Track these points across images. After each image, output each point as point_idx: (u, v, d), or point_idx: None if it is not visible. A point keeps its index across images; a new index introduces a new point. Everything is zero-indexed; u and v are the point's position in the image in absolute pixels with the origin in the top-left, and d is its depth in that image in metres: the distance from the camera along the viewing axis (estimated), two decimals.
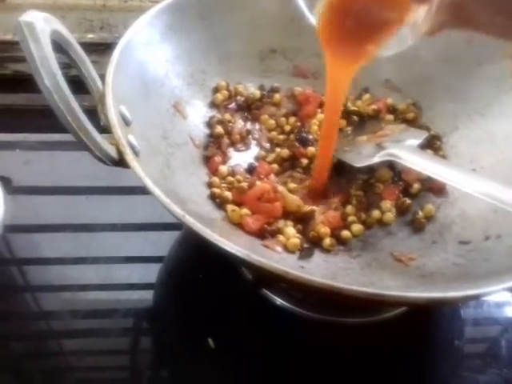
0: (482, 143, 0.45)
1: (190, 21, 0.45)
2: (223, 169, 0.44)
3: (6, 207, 0.45)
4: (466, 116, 0.47)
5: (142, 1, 0.64)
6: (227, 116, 0.48)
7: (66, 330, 0.42)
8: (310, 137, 0.47)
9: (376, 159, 0.43)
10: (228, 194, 0.41)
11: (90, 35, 0.63)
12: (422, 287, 0.35)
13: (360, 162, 0.43)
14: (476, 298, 0.30)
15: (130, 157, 0.32)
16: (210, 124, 0.47)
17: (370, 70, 0.50)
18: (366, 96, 0.51)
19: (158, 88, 0.42)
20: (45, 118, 0.57)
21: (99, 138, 0.32)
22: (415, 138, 0.44)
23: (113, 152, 0.33)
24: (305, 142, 0.47)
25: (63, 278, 0.44)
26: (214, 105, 0.48)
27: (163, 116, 0.42)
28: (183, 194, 0.38)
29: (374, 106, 0.49)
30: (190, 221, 0.30)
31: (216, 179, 0.43)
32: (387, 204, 0.43)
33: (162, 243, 0.47)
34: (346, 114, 0.49)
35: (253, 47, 0.50)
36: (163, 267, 0.45)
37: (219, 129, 0.46)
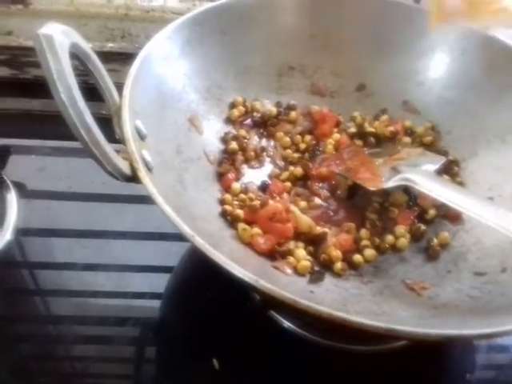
0: (502, 171, 0.43)
1: (209, 36, 0.45)
2: (236, 186, 0.43)
3: (19, 211, 0.46)
4: (486, 142, 0.45)
5: (165, 12, 0.64)
6: (242, 132, 0.47)
7: (73, 335, 0.41)
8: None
9: (391, 183, 0.42)
10: (240, 212, 0.40)
11: (111, 44, 0.63)
12: (434, 319, 0.34)
13: (375, 186, 0.42)
14: (492, 337, 0.28)
15: (142, 173, 0.31)
16: (224, 140, 0.46)
17: (388, 91, 0.50)
18: (384, 117, 0.50)
19: (174, 102, 0.42)
20: (62, 125, 0.58)
21: (113, 153, 0.32)
22: (432, 163, 0.43)
23: (125, 168, 0.32)
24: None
25: (73, 284, 0.44)
26: (229, 120, 0.47)
27: (178, 130, 0.42)
28: (194, 211, 0.38)
29: (391, 128, 0.48)
30: (199, 242, 0.29)
31: (228, 196, 0.42)
32: (401, 229, 0.42)
33: (173, 253, 0.46)
34: (363, 135, 0.48)
35: (271, 63, 0.50)
36: (172, 278, 0.45)
37: (234, 145, 0.45)
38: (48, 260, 0.46)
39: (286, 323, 0.40)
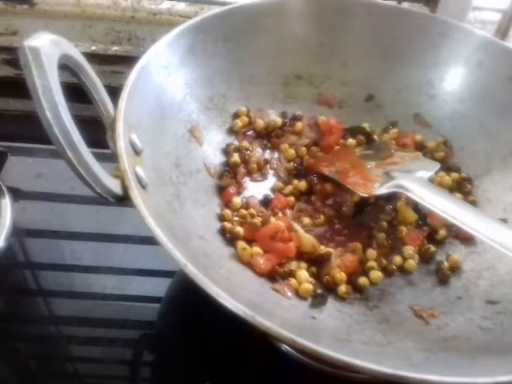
0: None
1: (212, 43, 0.42)
2: (237, 200, 0.40)
3: (16, 215, 0.44)
4: (501, 159, 0.42)
5: (172, 15, 0.61)
6: (245, 143, 0.44)
7: (72, 337, 0.40)
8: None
9: (383, 190, 0.39)
10: (239, 230, 0.37)
11: (116, 47, 0.61)
12: (443, 354, 0.31)
13: (365, 192, 0.39)
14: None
15: (134, 193, 0.29)
16: (226, 151, 0.43)
17: (399, 103, 0.47)
18: (394, 130, 0.46)
19: (174, 113, 0.39)
20: None
21: (101, 173, 0.29)
22: (426, 170, 0.40)
23: (116, 187, 0.30)
24: (299, 175, 0.43)
25: (73, 286, 0.43)
26: (232, 131, 0.44)
27: (178, 142, 0.39)
28: (191, 228, 0.35)
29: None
30: (192, 272, 0.26)
31: (228, 212, 0.39)
32: (410, 250, 0.39)
33: None
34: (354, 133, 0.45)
35: (277, 72, 0.46)
36: (173, 283, 0.43)
37: (236, 157, 0.42)
38: (49, 261, 0.45)
39: (284, 347, 0.37)
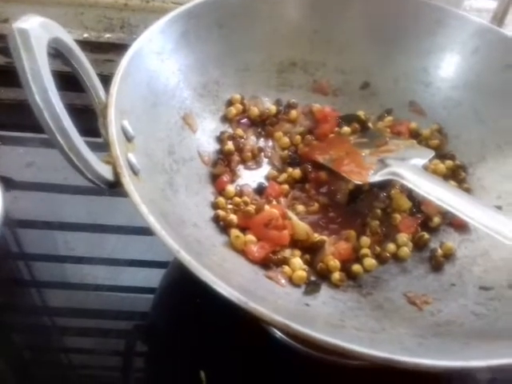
0: None
1: (206, 29, 0.41)
2: (230, 188, 0.40)
3: (5, 205, 0.43)
4: (496, 147, 0.42)
5: (165, 1, 0.60)
6: (239, 131, 0.44)
7: (65, 327, 0.40)
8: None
9: (377, 177, 0.39)
10: (233, 218, 0.37)
11: (108, 34, 0.60)
12: (436, 339, 0.31)
13: (360, 179, 0.39)
14: (500, 367, 0.25)
15: (126, 179, 0.28)
16: (220, 139, 0.43)
17: (394, 91, 0.46)
18: (389, 118, 0.46)
19: (167, 99, 0.39)
20: None
21: (93, 159, 0.29)
22: (421, 158, 0.40)
23: (108, 173, 0.29)
24: (294, 163, 0.43)
25: (67, 276, 0.42)
26: (226, 119, 0.44)
27: (170, 129, 0.38)
28: (184, 216, 0.35)
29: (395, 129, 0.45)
30: (186, 258, 0.26)
31: (222, 200, 0.39)
32: (404, 237, 0.39)
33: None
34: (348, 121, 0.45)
35: (272, 59, 0.46)
36: (167, 273, 0.42)
37: (230, 145, 0.42)
38: (42, 252, 0.44)
39: (279, 334, 0.37)
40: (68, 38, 0.30)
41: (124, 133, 0.32)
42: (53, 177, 0.48)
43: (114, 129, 0.30)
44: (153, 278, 0.42)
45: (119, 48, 0.59)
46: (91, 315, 0.40)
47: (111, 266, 0.43)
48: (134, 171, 0.30)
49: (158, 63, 0.38)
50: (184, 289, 0.40)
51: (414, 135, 0.45)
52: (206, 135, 0.42)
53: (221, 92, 0.44)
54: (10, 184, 0.47)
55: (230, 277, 0.31)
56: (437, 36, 0.45)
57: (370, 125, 0.46)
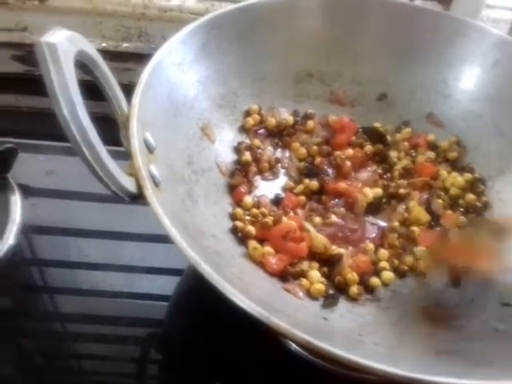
0: None
1: (226, 40, 0.42)
2: (248, 200, 0.40)
3: (26, 213, 0.44)
4: None
5: (182, 11, 0.61)
6: (256, 142, 0.44)
7: (79, 334, 0.40)
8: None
9: None
10: (251, 229, 0.37)
11: (126, 44, 0.60)
12: (457, 356, 0.30)
13: None
14: None
15: (149, 192, 0.29)
16: (237, 150, 0.43)
17: (412, 102, 0.46)
18: (407, 130, 0.46)
19: (187, 110, 0.39)
20: None
21: (117, 171, 0.29)
22: None
23: (131, 185, 0.30)
24: (311, 174, 0.42)
25: (82, 283, 0.43)
26: (243, 129, 0.44)
27: (190, 140, 0.39)
28: (203, 227, 0.35)
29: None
30: (207, 271, 0.26)
31: (239, 211, 0.39)
32: (422, 251, 0.38)
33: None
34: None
35: (289, 70, 0.46)
36: (181, 281, 0.42)
37: (247, 156, 0.42)
38: (58, 258, 0.44)
39: (294, 346, 0.37)
40: (93, 51, 0.31)
41: (146, 144, 0.32)
42: (71, 184, 0.49)
43: (136, 141, 0.30)
44: (167, 285, 0.42)
45: (137, 57, 0.60)
46: (105, 322, 0.40)
47: (126, 273, 0.43)
48: (156, 183, 0.31)
49: (179, 74, 0.38)
50: (199, 296, 0.40)
51: (432, 147, 0.45)
52: (224, 145, 0.42)
53: (239, 103, 0.44)
54: (28, 191, 0.47)
55: (249, 289, 0.30)
56: (456, 48, 0.45)
57: (388, 137, 0.45)
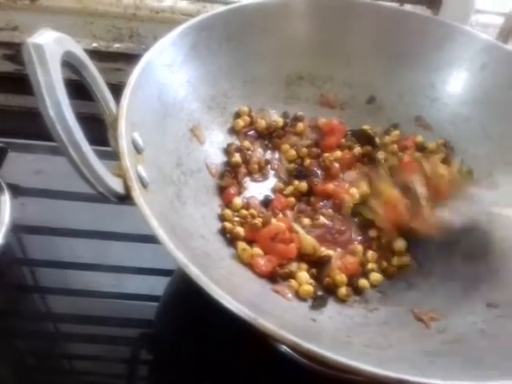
0: None
1: (216, 41, 0.41)
2: (237, 201, 0.39)
3: (12, 211, 0.43)
4: (504, 163, 0.42)
5: (174, 12, 0.60)
6: (246, 143, 0.44)
7: (67, 333, 0.40)
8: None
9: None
10: (240, 230, 0.37)
11: (117, 44, 0.60)
12: (444, 357, 0.30)
13: None
14: None
15: (136, 193, 0.28)
16: (227, 151, 0.42)
17: (400, 105, 0.46)
18: (395, 132, 0.46)
19: (176, 111, 0.38)
20: None
21: (104, 172, 0.29)
22: None
23: (118, 186, 0.29)
24: (300, 176, 0.42)
25: (72, 283, 0.42)
26: (233, 131, 0.44)
27: (179, 141, 0.38)
28: (191, 228, 0.35)
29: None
30: (194, 273, 0.25)
31: (229, 212, 0.38)
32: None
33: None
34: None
35: (280, 72, 0.46)
36: (171, 281, 0.42)
37: (237, 157, 0.42)
38: (47, 258, 0.44)
39: (284, 348, 0.37)
40: (80, 52, 0.30)
41: (134, 145, 0.32)
42: (60, 184, 0.48)
43: (124, 141, 0.30)
44: (158, 285, 0.42)
45: (128, 57, 0.59)
46: (95, 322, 0.40)
47: (116, 274, 0.43)
48: (144, 184, 0.30)
49: (169, 75, 0.38)
50: (189, 297, 0.40)
51: (420, 149, 0.45)
52: (214, 147, 0.42)
53: (229, 104, 0.44)
54: (17, 191, 0.47)
55: (237, 291, 0.30)
56: (444, 52, 0.45)
57: (377, 140, 0.45)
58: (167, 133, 0.37)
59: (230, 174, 0.41)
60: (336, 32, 0.46)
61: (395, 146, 0.45)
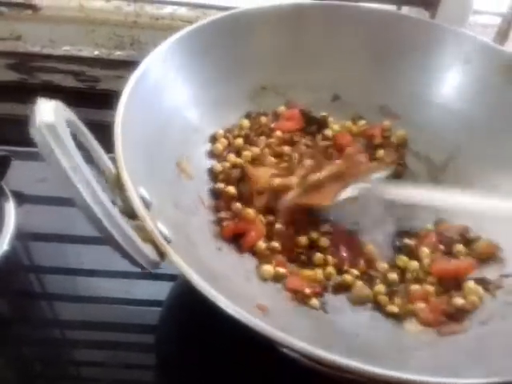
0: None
1: (172, 71, 0.41)
2: (262, 246, 0.39)
3: (17, 219, 0.44)
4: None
5: (174, 19, 0.61)
6: (227, 164, 0.43)
7: (73, 339, 0.41)
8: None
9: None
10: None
11: (119, 52, 0.60)
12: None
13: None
14: None
15: (175, 257, 0.27)
16: (216, 191, 0.42)
17: (364, 98, 0.48)
18: (362, 122, 0.48)
19: (160, 151, 0.38)
20: None
21: (140, 242, 0.27)
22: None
23: (151, 253, 0.28)
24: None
25: (78, 289, 0.43)
26: (213, 155, 0.44)
27: (171, 182, 0.38)
28: (214, 270, 0.35)
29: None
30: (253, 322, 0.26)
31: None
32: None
33: None
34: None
35: (243, 87, 0.46)
36: (175, 286, 0.43)
37: (230, 189, 0.41)
38: (52, 265, 0.45)
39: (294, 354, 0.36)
40: (73, 116, 0.30)
41: (144, 202, 0.30)
42: (63, 192, 0.49)
43: (138, 203, 0.28)
44: (163, 290, 0.42)
45: (129, 65, 0.59)
46: (101, 328, 0.41)
47: (120, 279, 0.43)
48: (168, 240, 0.29)
49: (145, 116, 0.37)
50: (192, 302, 0.39)
51: (385, 136, 0.46)
52: (202, 177, 0.42)
53: (204, 130, 0.44)
54: (22, 198, 0.47)
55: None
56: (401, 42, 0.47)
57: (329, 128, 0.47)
58: (158, 176, 0.36)
59: (230, 217, 0.40)
60: (291, 38, 0.47)
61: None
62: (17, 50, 0.59)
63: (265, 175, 0.40)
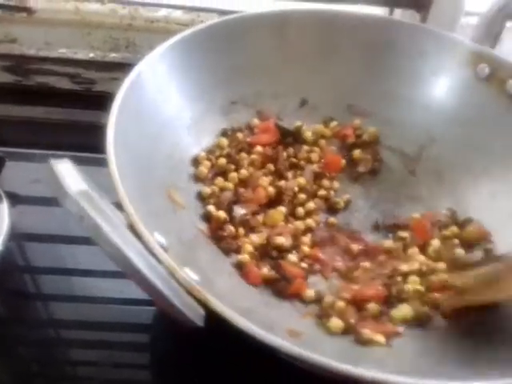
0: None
1: (149, 98, 0.41)
2: (310, 294, 0.38)
3: (11, 219, 0.43)
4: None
5: (169, 22, 0.61)
6: (215, 188, 0.43)
7: (68, 339, 0.40)
8: None
9: None
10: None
11: (114, 54, 0.60)
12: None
13: None
14: None
15: (218, 305, 0.25)
16: (207, 215, 0.41)
17: (331, 100, 0.48)
18: (333, 123, 0.48)
19: (152, 187, 0.37)
20: (61, 134, 0.55)
21: (187, 297, 0.25)
22: None
23: (198, 308, 0.25)
24: None
25: (73, 289, 0.43)
26: (198, 179, 0.43)
27: (170, 217, 0.37)
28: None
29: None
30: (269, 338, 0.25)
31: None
32: None
33: None
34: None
35: (213, 106, 0.46)
36: None
37: (220, 213, 0.40)
38: (46, 265, 0.45)
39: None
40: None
41: (163, 248, 0.27)
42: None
43: (164, 254, 0.26)
44: None
45: (124, 67, 0.59)
46: (96, 328, 0.40)
47: (115, 279, 0.43)
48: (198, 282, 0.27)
49: (132, 148, 0.36)
50: None
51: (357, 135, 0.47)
52: (192, 204, 0.41)
53: (185, 155, 0.43)
54: (16, 199, 0.47)
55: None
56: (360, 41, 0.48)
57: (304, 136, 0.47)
58: (156, 213, 0.35)
59: (231, 240, 0.39)
60: (248, 49, 0.47)
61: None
62: (12, 53, 0.59)
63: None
